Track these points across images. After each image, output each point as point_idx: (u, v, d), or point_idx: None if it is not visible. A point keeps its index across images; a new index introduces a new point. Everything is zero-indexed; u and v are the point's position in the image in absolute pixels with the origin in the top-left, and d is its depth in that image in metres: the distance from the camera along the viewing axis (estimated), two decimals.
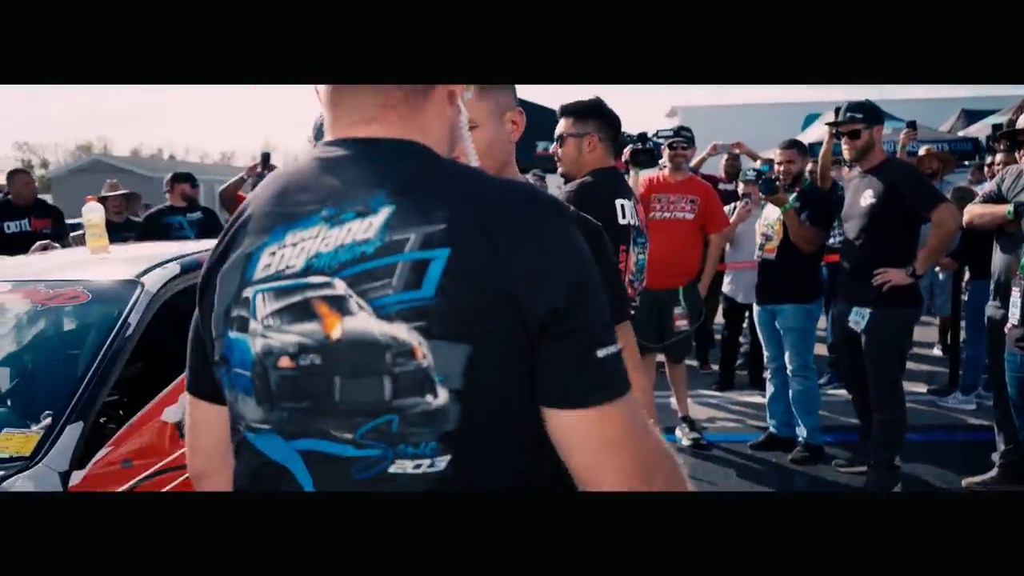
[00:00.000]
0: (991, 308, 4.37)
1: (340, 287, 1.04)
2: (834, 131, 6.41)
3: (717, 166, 8.68)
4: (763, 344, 5.54)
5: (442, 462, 1.05)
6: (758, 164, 7.15)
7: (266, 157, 7.43)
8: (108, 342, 2.53)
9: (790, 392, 5.21)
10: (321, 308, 1.05)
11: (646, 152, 5.55)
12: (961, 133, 11.90)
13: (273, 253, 1.10)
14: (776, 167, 5.31)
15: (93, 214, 3.52)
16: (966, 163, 10.84)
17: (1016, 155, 4.40)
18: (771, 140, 5.60)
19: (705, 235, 5.60)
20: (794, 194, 5.04)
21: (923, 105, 24.85)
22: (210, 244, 3.74)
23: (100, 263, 3.13)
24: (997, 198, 4.32)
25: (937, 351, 7.85)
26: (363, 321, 1.03)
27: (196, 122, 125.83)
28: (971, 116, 13.16)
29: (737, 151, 8.00)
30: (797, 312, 5.05)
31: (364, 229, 1.05)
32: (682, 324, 5.38)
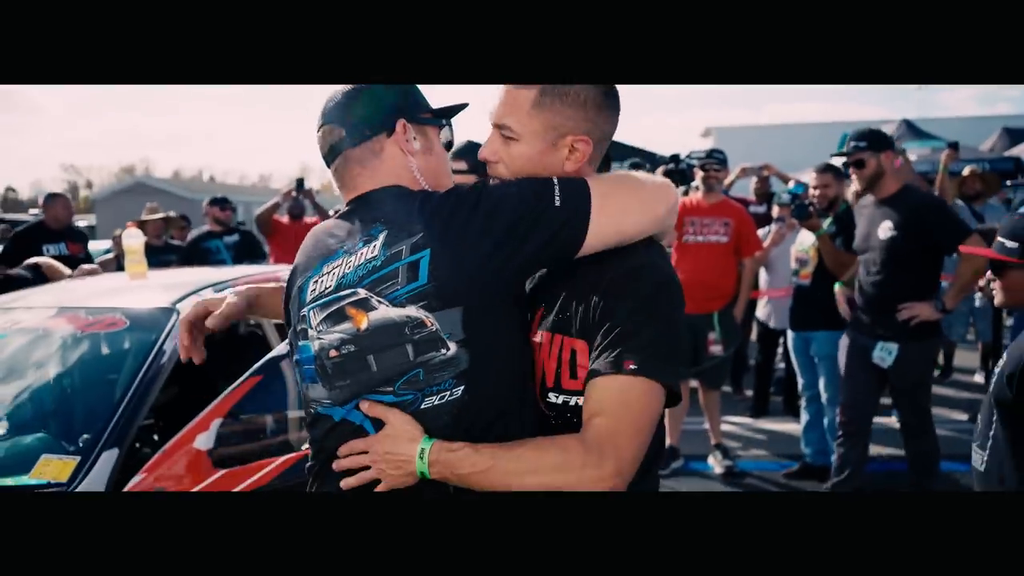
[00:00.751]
0: None
1: (363, 292, 1.52)
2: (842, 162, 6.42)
3: (747, 188, 8.63)
4: (797, 372, 5.47)
5: (459, 390, 1.49)
6: (790, 185, 7.09)
7: (300, 183, 7.55)
8: (144, 369, 2.58)
9: (825, 420, 5.13)
10: (351, 311, 1.52)
11: (679, 173, 5.53)
12: (1004, 153, 11.69)
13: (316, 281, 1.59)
14: (812, 191, 5.25)
15: (133, 240, 3.60)
16: (1008, 182, 10.66)
17: None
18: (807, 160, 5.53)
19: (739, 259, 5.56)
20: (828, 219, 4.98)
21: (964, 123, 24.55)
22: (245, 270, 3.78)
23: (138, 290, 3.20)
24: None
25: (979, 377, 7.69)
26: (383, 312, 1.49)
27: (236, 144, 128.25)
28: (1013, 135, 12.92)
29: (766, 173, 7.94)
30: (832, 339, 4.94)
31: (371, 250, 1.54)
32: (716, 349, 5.34)
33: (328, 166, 1.67)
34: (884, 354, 4.21)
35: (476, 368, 1.48)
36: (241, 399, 2.51)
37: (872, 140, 4.27)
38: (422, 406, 1.49)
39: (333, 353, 1.52)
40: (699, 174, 5.57)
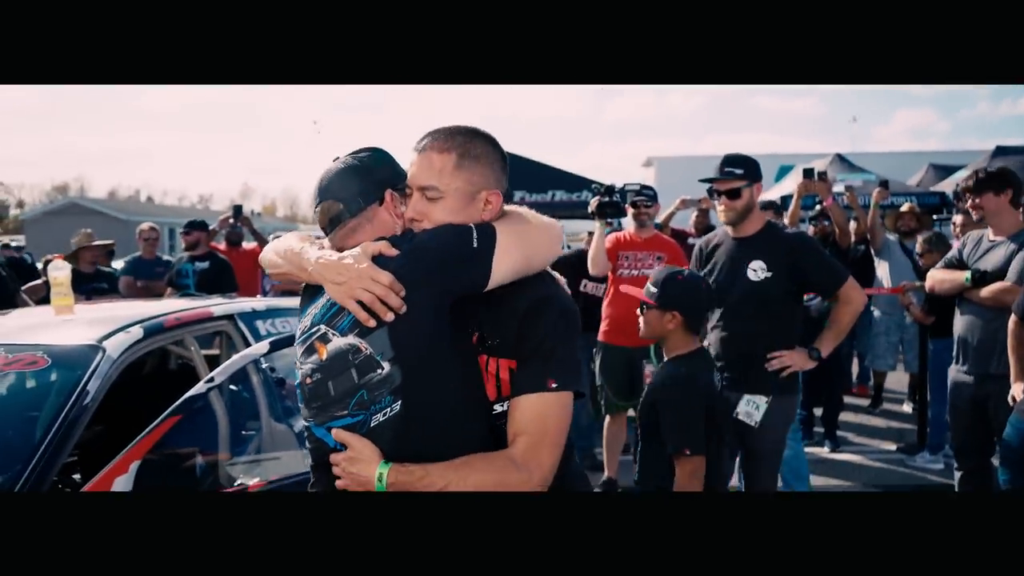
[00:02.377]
0: (955, 371, 4.40)
1: (323, 328, 1.80)
2: (803, 189, 6.57)
3: (687, 220, 8.79)
4: None
5: (397, 405, 1.73)
6: None
7: (238, 210, 7.43)
8: (65, 411, 2.50)
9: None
10: (316, 344, 1.80)
11: (612, 205, 5.48)
12: (930, 188, 12.16)
13: (303, 321, 1.88)
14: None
15: (59, 272, 3.49)
16: (934, 217, 11.06)
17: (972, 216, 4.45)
18: None
19: None
20: None
21: (892, 159, 25.46)
22: (178, 304, 3.66)
23: (62, 325, 3.10)
24: (958, 263, 4.36)
25: (907, 407, 7.92)
26: (335, 342, 1.77)
27: (176, 163, 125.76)
28: (939, 171, 13.46)
29: (705, 206, 8.10)
30: None
31: None
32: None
33: (327, 235, 1.92)
34: (751, 408, 3.67)
35: (409, 382, 1.72)
36: (160, 439, 2.45)
37: (748, 168, 3.79)
38: (371, 424, 1.74)
39: (308, 380, 1.82)
40: (630, 210, 5.62)
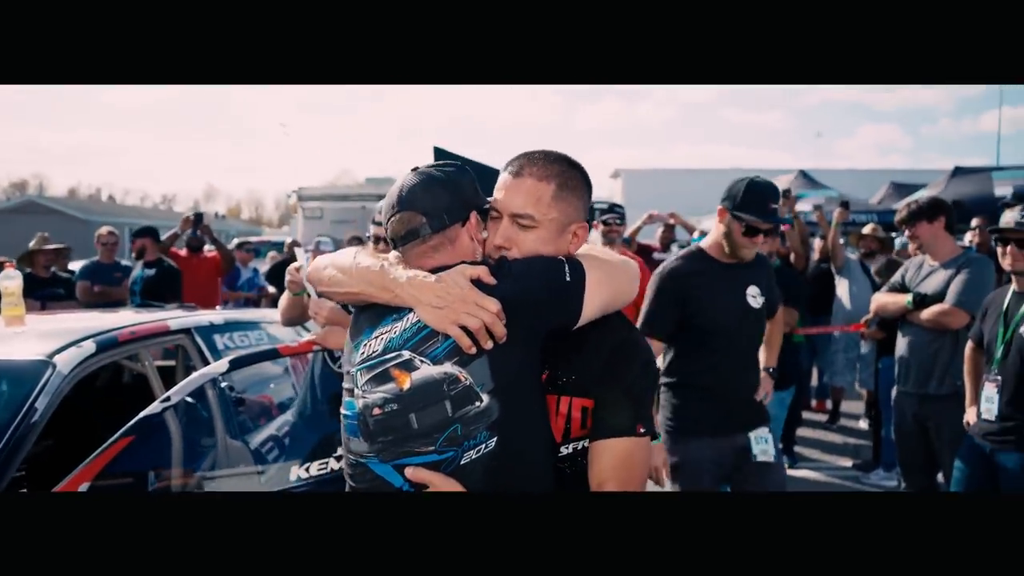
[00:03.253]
0: (897, 392, 4.55)
1: (407, 354, 1.66)
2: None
3: (653, 235, 8.85)
4: None
5: (492, 442, 1.62)
6: (695, 235, 7.28)
7: (199, 218, 7.34)
8: (12, 428, 2.44)
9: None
10: (395, 372, 1.66)
11: None
12: (892, 206, 12.36)
13: (366, 345, 1.74)
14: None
15: (10, 282, 3.40)
16: (893, 235, 11.26)
17: (911, 248, 4.58)
18: (714, 205, 5.29)
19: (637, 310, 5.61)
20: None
21: (855, 176, 25.90)
22: (132, 317, 3.59)
23: (12, 338, 3.02)
24: (901, 288, 4.55)
25: (863, 424, 8.03)
26: (425, 371, 1.64)
27: (138, 163, 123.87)
28: (900, 189, 13.68)
29: (672, 222, 8.17)
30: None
31: (418, 316, 1.68)
32: None
33: (397, 247, 1.80)
34: (764, 444, 3.42)
35: (507, 416, 1.63)
36: (111, 461, 2.39)
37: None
38: (462, 462, 1.63)
39: (376, 411, 1.67)
40: (600, 227, 5.73)
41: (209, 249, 7.86)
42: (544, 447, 1.73)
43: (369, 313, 1.78)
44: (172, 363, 3.91)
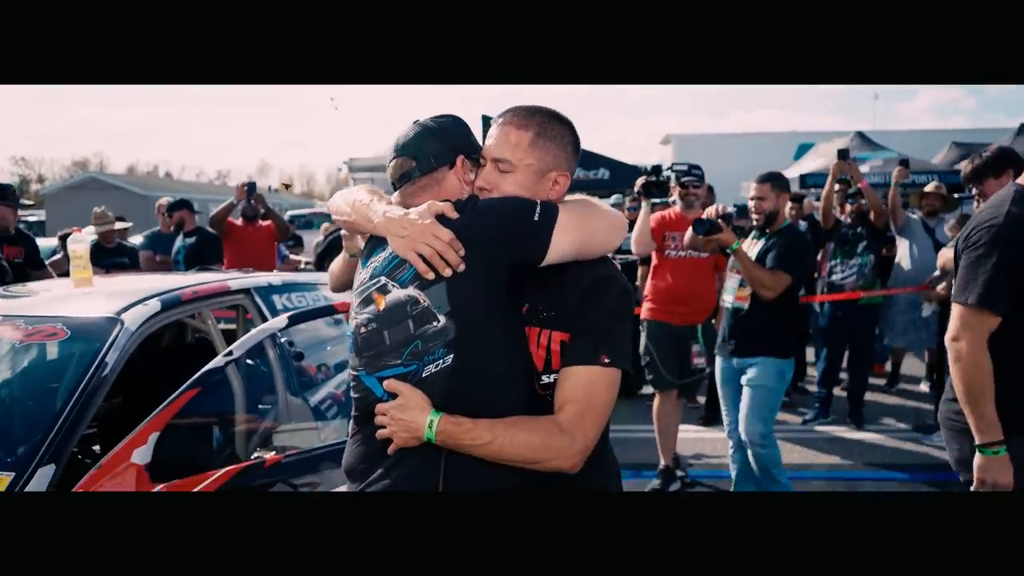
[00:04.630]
0: None
1: (383, 280, 1.88)
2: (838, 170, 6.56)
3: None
4: (724, 409, 4.82)
5: (449, 358, 1.79)
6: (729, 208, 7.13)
7: (251, 188, 7.46)
8: (84, 382, 2.52)
9: (753, 468, 4.54)
10: (375, 295, 1.88)
11: (658, 185, 5.47)
12: (954, 167, 11.99)
13: (362, 273, 1.96)
14: (749, 202, 4.79)
15: (78, 245, 3.51)
16: (956, 195, 10.94)
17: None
18: (763, 168, 5.24)
19: (717, 272, 5.36)
20: (754, 233, 4.67)
21: (916, 137, 25.14)
22: (197, 278, 3.69)
23: (82, 298, 3.13)
24: None
25: (924, 387, 7.87)
26: (394, 293, 1.84)
27: (194, 139, 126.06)
28: (963, 148, 13.27)
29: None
30: (768, 368, 4.45)
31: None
32: (700, 362, 5.31)
33: (395, 190, 2.01)
34: None
35: (462, 336, 1.79)
36: (179, 412, 2.47)
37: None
38: (423, 375, 1.80)
39: (363, 330, 1.89)
40: (677, 190, 5.49)
41: (264, 220, 7.99)
42: (510, 370, 1.86)
43: (368, 246, 2.01)
44: (233, 327, 4.01)
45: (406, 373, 1.82)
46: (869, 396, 7.20)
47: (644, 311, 5.42)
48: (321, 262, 8.64)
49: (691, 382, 5.43)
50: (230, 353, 2.65)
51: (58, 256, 7.00)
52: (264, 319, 3.33)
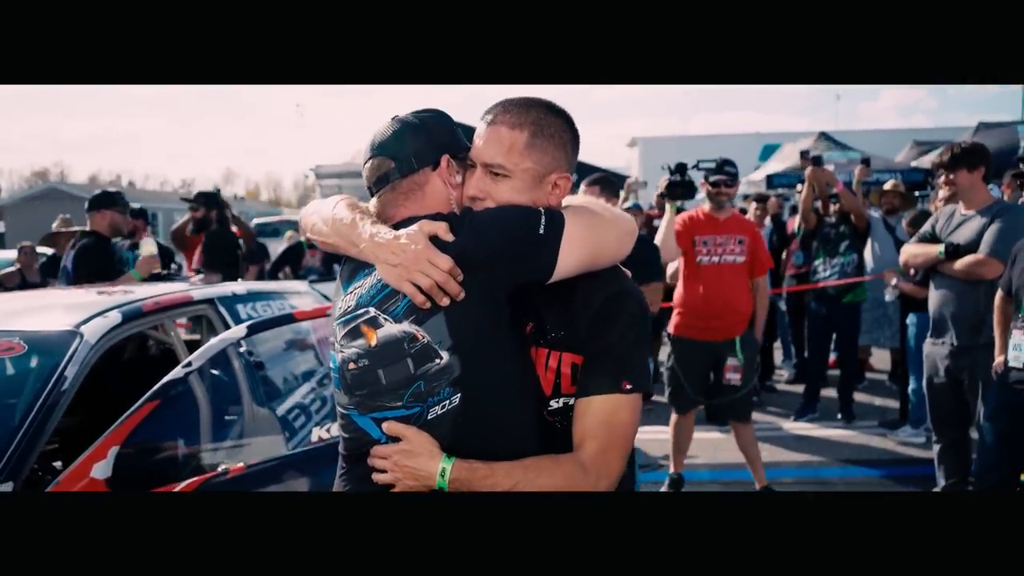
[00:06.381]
0: (929, 345, 4.46)
1: (372, 311, 1.66)
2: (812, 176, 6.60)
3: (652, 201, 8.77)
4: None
5: (456, 398, 1.61)
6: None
7: (211, 197, 7.36)
8: (43, 397, 2.48)
9: None
10: (364, 328, 1.66)
11: (683, 185, 4.97)
12: (913, 164, 12.18)
13: (343, 300, 1.74)
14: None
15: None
16: (916, 193, 11.11)
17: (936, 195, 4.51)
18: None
19: (751, 277, 5.03)
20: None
21: (879, 136, 25.53)
22: (157, 288, 3.63)
23: (40, 311, 3.07)
24: (931, 238, 4.43)
25: (890, 381, 7.98)
26: (387, 328, 1.64)
27: (157, 148, 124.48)
28: (923, 147, 13.48)
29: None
30: None
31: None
32: (733, 378, 4.83)
33: (372, 195, 1.79)
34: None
35: (468, 373, 1.61)
36: (139, 424, 2.43)
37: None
38: (428, 417, 1.63)
39: (351, 366, 1.68)
40: (705, 188, 5.04)
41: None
42: (519, 401, 1.68)
43: (347, 267, 1.77)
44: (197, 337, 3.95)
45: (409, 416, 1.63)
46: (834, 393, 7.28)
47: (673, 325, 5.02)
48: (275, 272, 8.55)
49: (736, 404, 4.92)
50: (189, 364, 2.61)
51: (11, 270, 6.88)
52: (228, 329, 3.29)
